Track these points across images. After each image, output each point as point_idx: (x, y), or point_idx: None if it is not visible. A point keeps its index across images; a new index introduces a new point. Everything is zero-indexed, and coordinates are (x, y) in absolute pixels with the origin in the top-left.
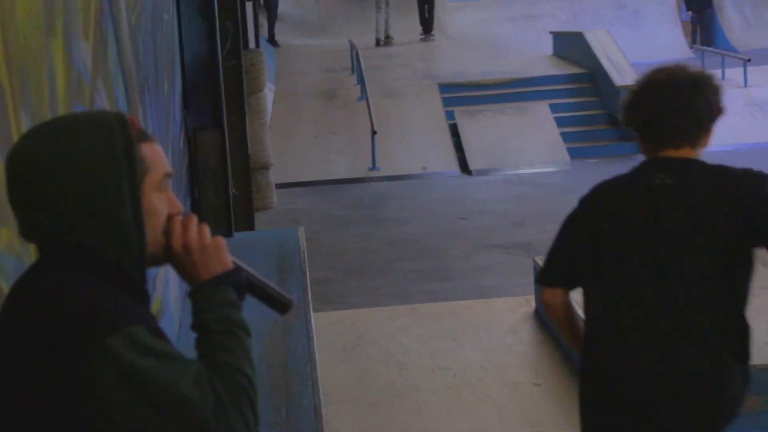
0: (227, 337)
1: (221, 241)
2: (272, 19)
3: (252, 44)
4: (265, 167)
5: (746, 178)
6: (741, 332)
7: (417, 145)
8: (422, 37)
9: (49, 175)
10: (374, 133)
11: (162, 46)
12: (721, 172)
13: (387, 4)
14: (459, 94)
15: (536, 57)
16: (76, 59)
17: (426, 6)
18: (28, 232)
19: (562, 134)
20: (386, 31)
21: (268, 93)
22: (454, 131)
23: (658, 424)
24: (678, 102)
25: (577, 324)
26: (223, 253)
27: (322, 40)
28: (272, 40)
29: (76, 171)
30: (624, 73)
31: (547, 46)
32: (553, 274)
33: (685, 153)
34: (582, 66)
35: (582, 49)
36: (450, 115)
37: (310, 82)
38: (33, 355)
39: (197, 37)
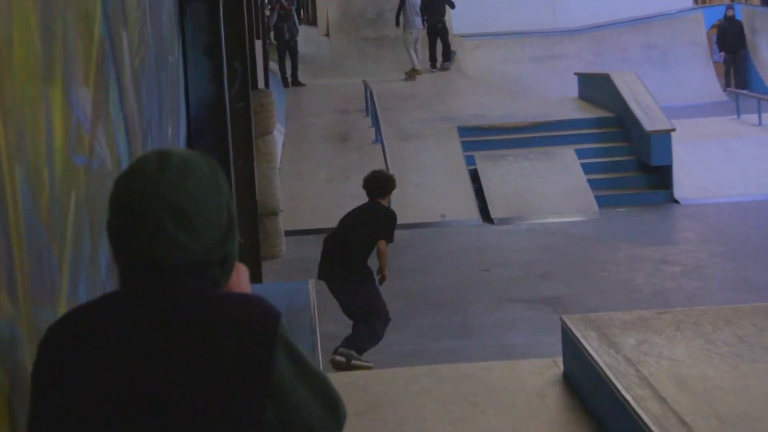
0: None
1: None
2: (294, 61)
3: (261, 84)
4: (274, 213)
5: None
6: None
7: (435, 192)
8: (445, 65)
9: (201, 206)
10: None
11: (166, 89)
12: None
13: (416, 41)
14: (479, 138)
15: (560, 99)
16: (75, 107)
17: (438, 39)
18: (163, 252)
19: (590, 181)
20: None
21: (278, 135)
22: (475, 177)
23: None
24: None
25: None
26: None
27: (335, 80)
28: (296, 81)
29: (216, 203)
30: (654, 117)
31: (572, 87)
32: None
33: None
34: (609, 109)
35: (609, 92)
36: (470, 160)
37: (322, 124)
38: (224, 347)
39: (203, 78)
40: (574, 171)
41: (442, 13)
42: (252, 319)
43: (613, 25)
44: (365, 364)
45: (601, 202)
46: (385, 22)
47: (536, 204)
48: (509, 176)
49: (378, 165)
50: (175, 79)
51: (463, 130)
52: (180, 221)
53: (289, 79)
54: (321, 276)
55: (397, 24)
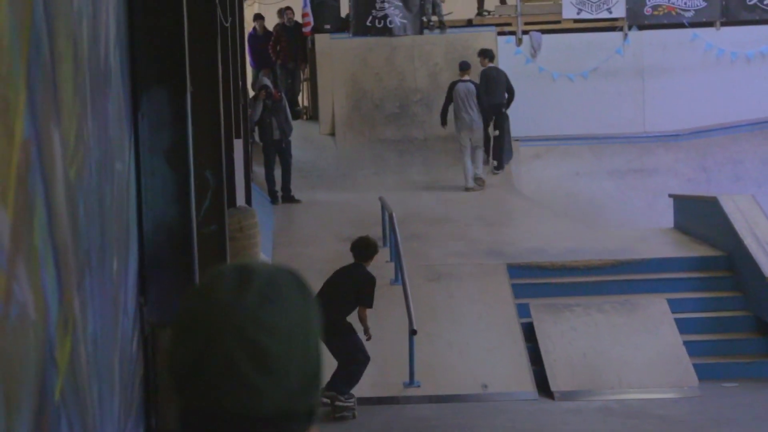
0: None
1: None
2: (287, 169)
3: (241, 200)
4: None
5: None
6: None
7: (474, 353)
8: (494, 172)
9: (286, 342)
10: (413, 332)
11: (112, 208)
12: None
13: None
14: (536, 280)
15: (649, 231)
16: None
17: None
18: (235, 399)
19: (687, 344)
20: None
21: None
22: (529, 334)
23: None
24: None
25: None
26: None
27: (341, 196)
28: (288, 197)
29: (303, 339)
30: None
31: (666, 214)
32: None
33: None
34: (716, 246)
35: (716, 222)
36: (523, 311)
37: (322, 256)
38: None
39: (163, 193)
40: (666, 329)
41: (505, 94)
42: None
43: (724, 130)
44: (347, 403)
45: (703, 373)
46: (412, 118)
47: (613, 374)
48: (576, 334)
49: (397, 312)
50: (125, 195)
51: (515, 270)
52: (258, 362)
53: (279, 194)
54: None
55: (443, 123)
